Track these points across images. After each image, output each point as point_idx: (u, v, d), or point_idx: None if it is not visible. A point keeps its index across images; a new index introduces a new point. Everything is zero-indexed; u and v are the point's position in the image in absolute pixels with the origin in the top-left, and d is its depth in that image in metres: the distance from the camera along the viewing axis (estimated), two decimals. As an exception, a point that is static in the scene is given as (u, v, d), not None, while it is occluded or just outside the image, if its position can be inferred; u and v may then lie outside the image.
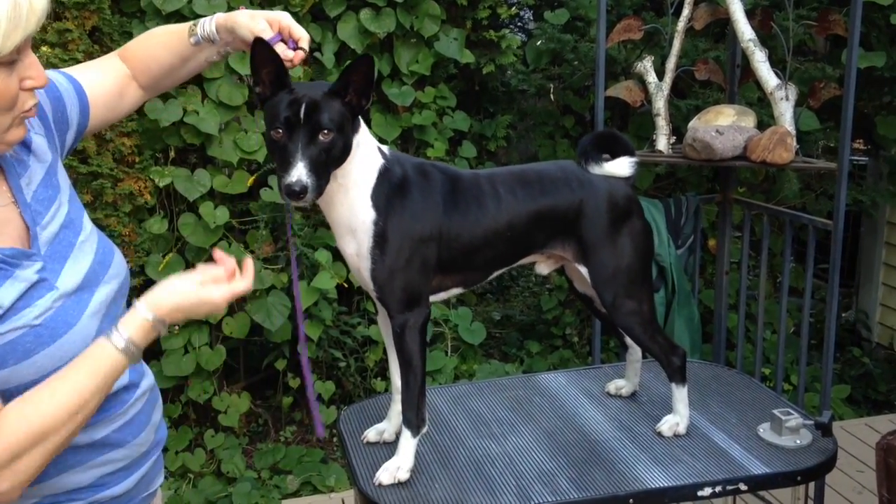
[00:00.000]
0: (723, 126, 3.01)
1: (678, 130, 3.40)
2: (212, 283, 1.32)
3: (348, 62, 2.76)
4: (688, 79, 3.76)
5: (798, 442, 1.86)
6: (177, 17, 3.51)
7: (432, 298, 1.74)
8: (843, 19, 2.96)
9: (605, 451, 1.85)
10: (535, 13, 5.28)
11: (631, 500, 1.68)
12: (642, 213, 1.86)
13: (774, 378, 3.41)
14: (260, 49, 1.47)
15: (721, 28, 4.20)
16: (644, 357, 2.10)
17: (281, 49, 1.51)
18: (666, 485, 1.71)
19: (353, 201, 1.61)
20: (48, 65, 3.15)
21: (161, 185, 3.63)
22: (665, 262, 3.68)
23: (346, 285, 3.90)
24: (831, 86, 3.06)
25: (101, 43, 3.50)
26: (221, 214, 3.69)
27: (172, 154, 3.70)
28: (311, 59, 3.81)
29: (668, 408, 1.96)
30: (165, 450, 3.11)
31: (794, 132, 2.93)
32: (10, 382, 1.21)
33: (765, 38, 3.17)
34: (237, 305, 3.85)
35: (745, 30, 3.02)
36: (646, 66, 3.28)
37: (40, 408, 1.17)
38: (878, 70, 4.06)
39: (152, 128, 3.61)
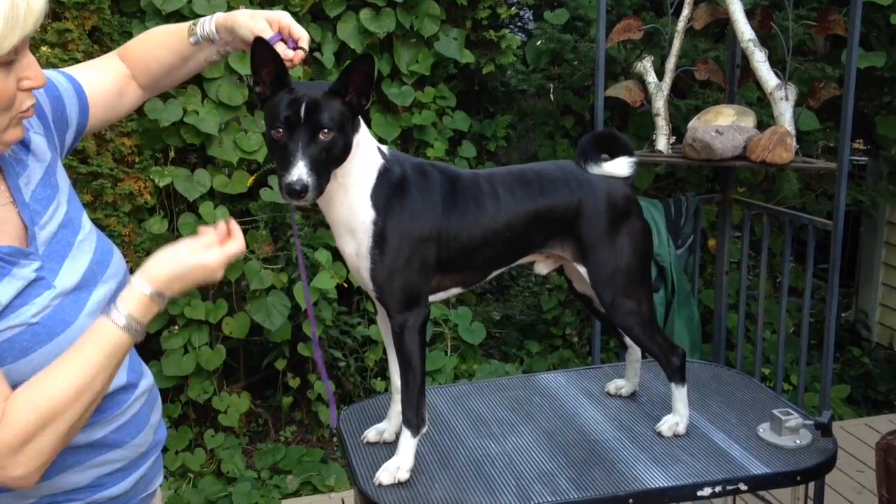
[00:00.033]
0: (722, 126, 3.01)
1: (678, 130, 3.39)
2: (203, 249, 1.32)
3: (348, 62, 2.76)
4: (687, 79, 3.75)
5: (798, 442, 1.85)
6: (177, 17, 3.51)
7: (432, 298, 1.74)
8: (842, 19, 2.96)
9: (605, 451, 1.85)
10: (535, 13, 5.28)
11: (631, 500, 1.68)
12: (641, 213, 1.86)
13: (774, 378, 3.41)
14: (260, 48, 1.47)
15: (721, 28, 4.19)
16: (644, 357, 2.10)
17: (281, 49, 1.51)
18: (666, 485, 1.71)
19: (352, 201, 1.61)
20: (48, 65, 3.15)
21: (161, 185, 3.63)
22: (665, 262, 3.67)
23: (345, 285, 3.90)
24: (831, 86, 3.06)
25: (100, 43, 3.51)
26: (221, 214, 3.69)
27: (172, 154, 3.71)
28: (310, 59, 3.81)
29: (667, 408, 1.96)
30: (165, 449, 3.10)
31: (793, 132, 2.93)
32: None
33: (764, 38, 3.17)
34: (237, 305, 3.86)
35: (744, 30, 3.02)
36: (645, 66, 3.28)
37: (45, 390, 1.17)
38: (878, 70, 4.06)
39: (152, 128, 3.62)
